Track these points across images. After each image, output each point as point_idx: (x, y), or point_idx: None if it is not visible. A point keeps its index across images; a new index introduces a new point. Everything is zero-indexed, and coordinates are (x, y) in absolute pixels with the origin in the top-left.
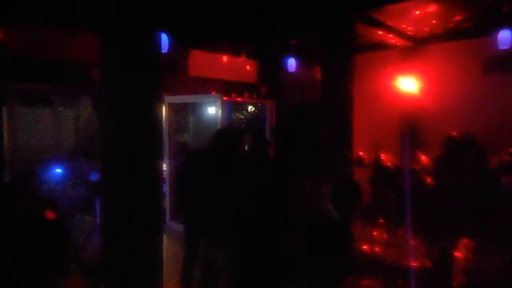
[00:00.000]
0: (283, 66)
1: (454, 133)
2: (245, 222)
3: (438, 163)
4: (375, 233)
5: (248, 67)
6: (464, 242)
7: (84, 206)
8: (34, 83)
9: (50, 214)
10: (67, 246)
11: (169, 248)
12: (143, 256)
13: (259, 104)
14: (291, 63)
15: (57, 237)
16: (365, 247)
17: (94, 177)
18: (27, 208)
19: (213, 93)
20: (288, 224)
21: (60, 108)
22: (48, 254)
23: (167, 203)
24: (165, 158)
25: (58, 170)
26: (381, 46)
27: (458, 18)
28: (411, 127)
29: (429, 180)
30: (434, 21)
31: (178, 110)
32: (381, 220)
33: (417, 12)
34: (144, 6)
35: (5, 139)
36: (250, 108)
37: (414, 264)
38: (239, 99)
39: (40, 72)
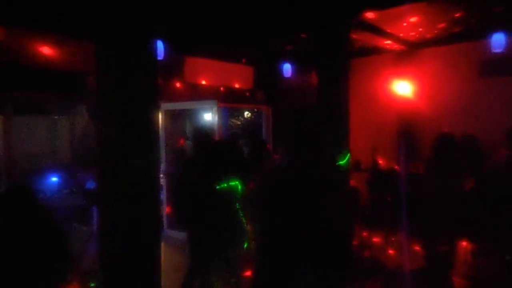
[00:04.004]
0: (279, 71)
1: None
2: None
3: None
4: (374, 237)
5: (244, 73)
6: (464, 244)
7: (81, 215)
8: (29, 91)
9: (47, 223)
10: (65, 255)
11: (167, 256)
12: (141, 265)
13: (255, 110)
14: (287, 68)
15: (55, 246)
16: (364, 251)
17: (90, 185)
18: (24, 218)
19: (209, 99)
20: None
21: (56, 117)
22: (46, 264)
23: (164, 210)
24: (161, 166)
25: (54, 179)
26: (376, 51)
27: (451, 22)
28: (407, 130)
29: (425, 182)
30: (427, 26)
31: (175, 117)
32: (380, 224)
33: (412, 18)
34: (140, 13)
35: (1, 148)
36: (247, 113)
37: (413, 267)
38: (235, 104)
39: (36, 80)
